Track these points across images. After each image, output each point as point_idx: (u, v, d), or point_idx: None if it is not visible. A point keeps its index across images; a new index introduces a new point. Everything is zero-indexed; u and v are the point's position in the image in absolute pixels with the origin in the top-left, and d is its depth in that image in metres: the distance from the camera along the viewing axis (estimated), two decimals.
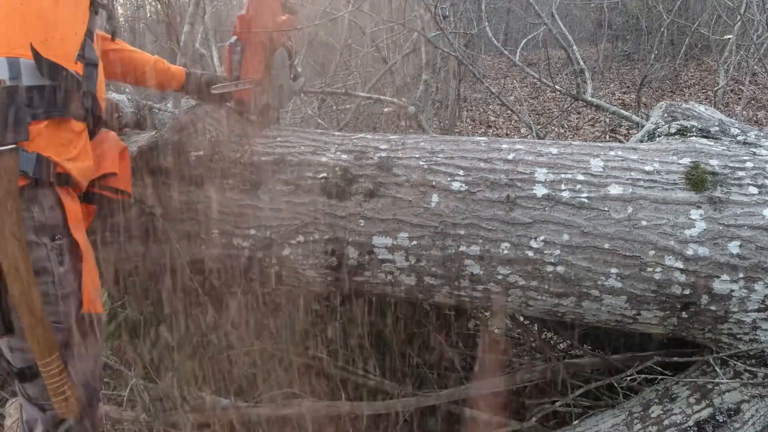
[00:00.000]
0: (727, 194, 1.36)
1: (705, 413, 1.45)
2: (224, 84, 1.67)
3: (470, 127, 6.41)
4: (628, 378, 1.53)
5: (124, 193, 1.48)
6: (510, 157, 1.50)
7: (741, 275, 1.32)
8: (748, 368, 1.40)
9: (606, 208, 1.38)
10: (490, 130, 6.45)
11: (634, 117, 3.40)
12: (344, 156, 1.58)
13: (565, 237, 1.38)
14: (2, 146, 1.09)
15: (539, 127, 4.73)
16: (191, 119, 1.63)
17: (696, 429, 1.44)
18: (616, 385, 1.59)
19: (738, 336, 1.39)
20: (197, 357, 1.96)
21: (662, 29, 7.51)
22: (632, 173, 1.42)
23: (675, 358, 1.53)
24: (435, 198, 1.46)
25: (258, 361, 1.93)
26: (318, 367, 2.09)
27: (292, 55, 1.87)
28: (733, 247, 1.32)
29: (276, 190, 1.55)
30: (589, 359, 1.92)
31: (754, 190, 1.36)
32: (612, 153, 1.49)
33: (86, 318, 1.27)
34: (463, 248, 1.43)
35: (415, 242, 1.46)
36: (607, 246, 1.36)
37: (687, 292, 1.35)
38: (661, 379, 1.52)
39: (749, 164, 1.41)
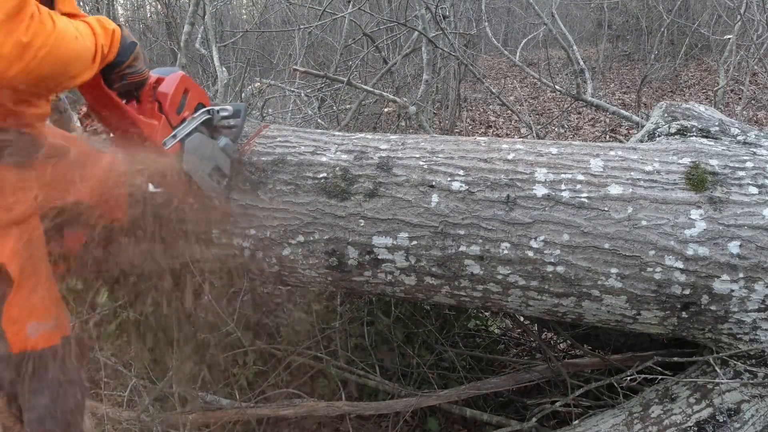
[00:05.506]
0: (727, 194, 1.36)
1: (705, 413, 1.45)
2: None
3: (470, 127, 6.41)
4: (628, 378, 1.53)
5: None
6: (510, 157, 1.50)
7: (741, 275, 1.31)
8: (748, 368, 1.40)
9: (606, 208, 1.38)
10: (490, 130, 6.44)
11: (634, 117, 3.40)
12: (344, 156, 1.57)
13: (565, 237, 1.38)
14: None
15: (539, 127, 4.73)
16: None
17: (696, 429, 1.44)
18: (616, 385, 1.59)
19: (738, 336, 1.39)
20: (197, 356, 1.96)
21: (662, 29, 7.52)
22: (632, 173, 1.42)
23: (675, 358, 1.53)
24: (435, 198, 1.46)
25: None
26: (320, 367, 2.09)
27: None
28: (733, 247, 1.32)
29: (276, 190, 1.55)
30: (589, 359, 1.92)
31: (754, 190, 1.36)
32: (612, 153, 1.49)
33: (27, 356, 1.10)
34: (463, 248, 1.43)
35: (415, 242, 1.46)
36: (607, 246, 1.36)
37: (687, 292, 1.35)
38: (661, 379, 1.52)
39: (749, 164, 1.41)
